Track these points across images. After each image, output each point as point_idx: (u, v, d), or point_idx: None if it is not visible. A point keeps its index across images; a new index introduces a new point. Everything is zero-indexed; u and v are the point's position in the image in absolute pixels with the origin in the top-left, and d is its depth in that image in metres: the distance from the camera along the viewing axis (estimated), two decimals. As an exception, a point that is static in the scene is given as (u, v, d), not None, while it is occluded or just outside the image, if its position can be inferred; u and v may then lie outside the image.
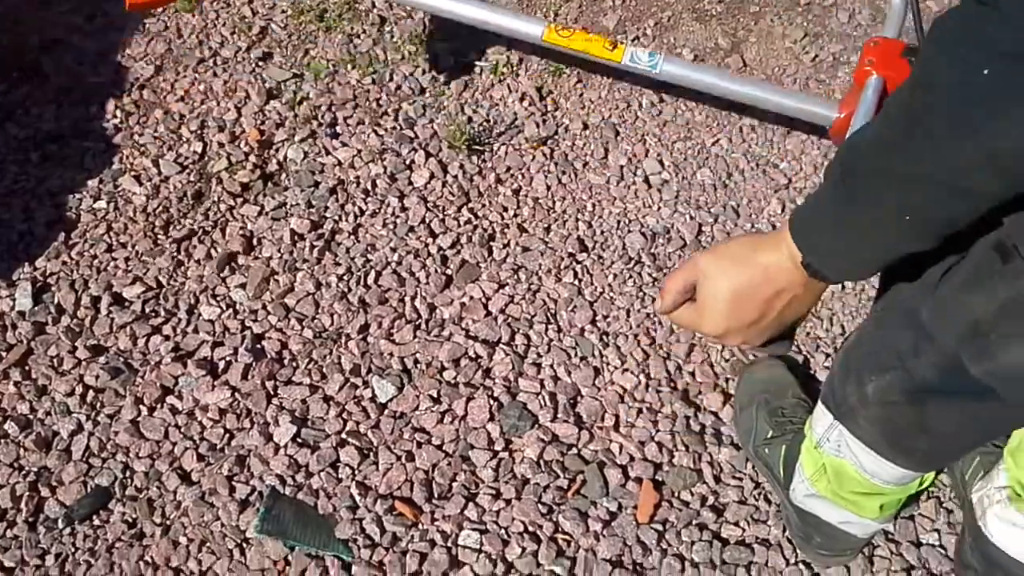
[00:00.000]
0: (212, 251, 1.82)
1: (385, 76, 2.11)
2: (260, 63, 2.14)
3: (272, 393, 1.62)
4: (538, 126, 2.02)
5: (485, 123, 2.02)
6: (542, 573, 1.43)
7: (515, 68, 2.12)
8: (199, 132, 2.01)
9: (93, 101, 2.09)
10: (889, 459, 1.06)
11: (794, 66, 2.14)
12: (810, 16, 2.23)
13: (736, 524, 1.49)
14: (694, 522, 1.49)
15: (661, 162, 1.96)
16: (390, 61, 2.13)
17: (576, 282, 1.77)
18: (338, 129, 2.02)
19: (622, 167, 1.96)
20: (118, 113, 2.06)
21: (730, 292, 0.82)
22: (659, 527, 1.48)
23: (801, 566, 1.44)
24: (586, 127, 2.02)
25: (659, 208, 1.89)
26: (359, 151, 1.97)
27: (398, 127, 2.01)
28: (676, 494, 1.52)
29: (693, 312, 0.88)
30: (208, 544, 1.45)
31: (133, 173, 1.94)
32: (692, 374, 1.66)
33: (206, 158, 1.97)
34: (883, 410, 0.98)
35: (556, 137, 2.01)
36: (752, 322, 0.84)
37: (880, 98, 1.53)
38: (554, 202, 1.90)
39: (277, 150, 1.98)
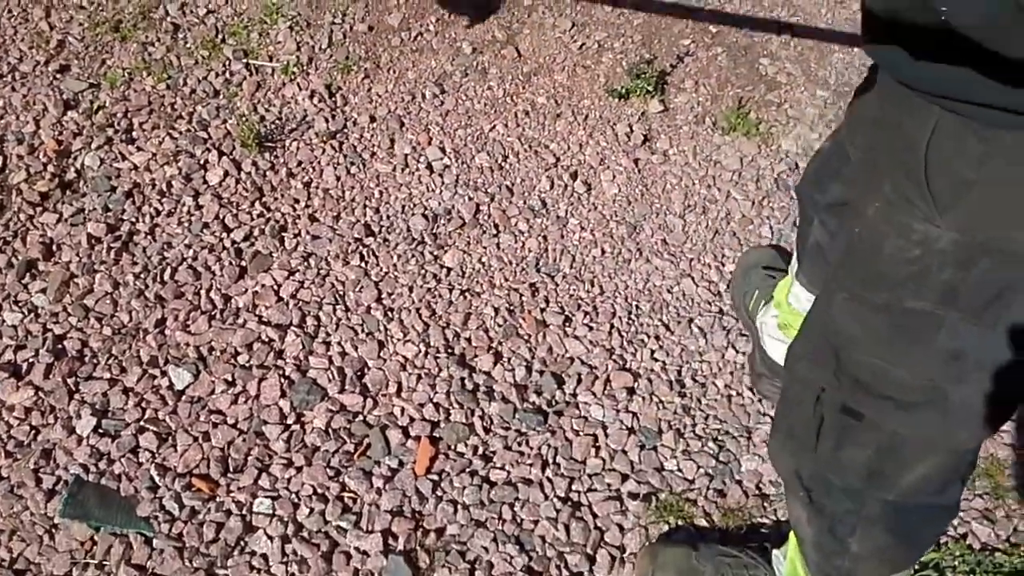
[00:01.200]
0: (13, 260, 1.89)
1: (179, 81, 2.20)
2: (58, 75, 2.20)
3: (74, 389, 1.72)
4: (327, 121, 2.15)
5: (277, 121, 2.15)
6: (330, 529, 1.59)
7: (305, 68, 2.24)
8: (-3, 146, 2.07)
9: None
10: None
11: (563, 54, 2.34)
12: (578, 8, 2.43)
13: (502, 468, 1.68)
14: (466, 470, 1.67)
15: (443, 149, 2.13)
16: (184, 66, 2.22)
17: (363, 264, 1.93)
18: (134, 135, 2.10)
19: (407, 155, 2.12)
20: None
21: None
22: (435, 477, 1.66)
23: (555, 500, 1.65)
24: (373, 120, 2.17)
25: (440, 191, 2.06)
26: (154, 155, 2.07)
27: (192, 129, 2.11)
28: (452, 447, 1.70)
29: None
30: (18, 532, 1.55)
31: (-70, 190, 1.98)
32: (468, 339, 1.84)
33: (6, 171, 2.03)
34: None
35: (345, 131, 2.15)
36: None
37: None
38: (343, 192, 2.05)
39: (75, 159, 2.06)
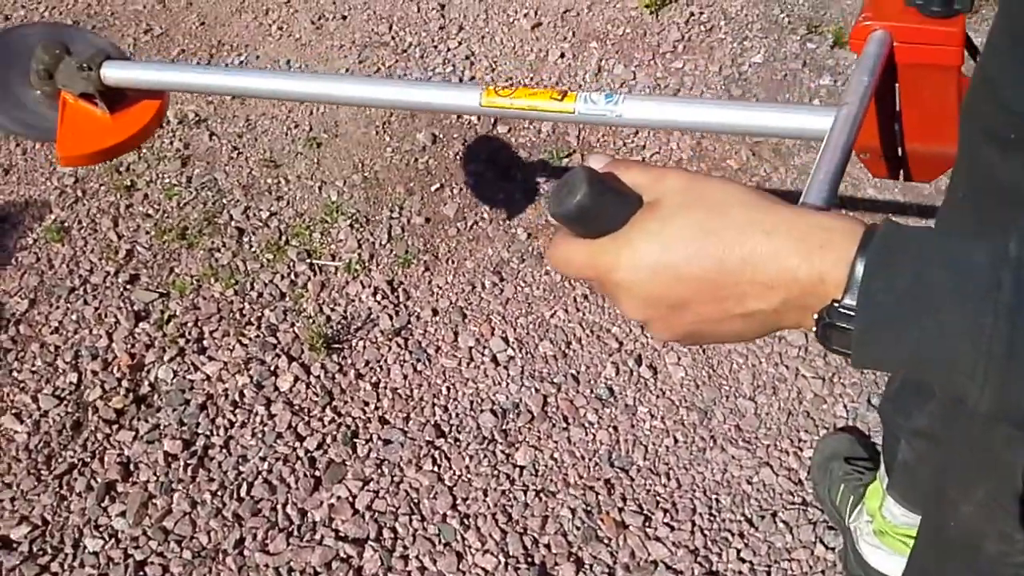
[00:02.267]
0: (92, 482, 1.91)
1: (246, 286, 2.26)
2: (128, 286, 2.28)
3: (156, 621, 1.71)
4: (391, 318, 2.19)
5: (343, 320, 2.19)
6: None
7: (366, 264, 2.30)
8: (73, 362, 2.13)
9: (-32, 341, 2.19)
10: None
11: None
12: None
13: None
14: None
15: (506, 339, 2.15)
16: (250, 271, 2.29)
17: (436, 468, 1.92)
18: (205, 343, 2.15)
19: (471, 348, 2.14)
20: (-5, 351, 2.16)
21: (684, 260, 0.49)
22: None
23: None
24: (436, 313, 2.21)
25: (507, 384, 2.07)
26: (225, 364, 2.11)
27: (261, 335, 2.16)
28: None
29: (607, 259, 0.52)
30: None
31: (14, 411, 2.04)
32: (547, 546, 1.81)
33: (82, 387, 2.08)
34: None
35: (409, 326, 2.18)
36: (685, 320, 0.52)
37: (888, 55, 1.15)
38: (411, 391, 2.07)
39: (148, 372, 2.10)
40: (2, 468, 1.95)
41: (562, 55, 2.78)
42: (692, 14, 2.86)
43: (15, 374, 2.12)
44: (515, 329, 2.19)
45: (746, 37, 2.84)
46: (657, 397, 2.05)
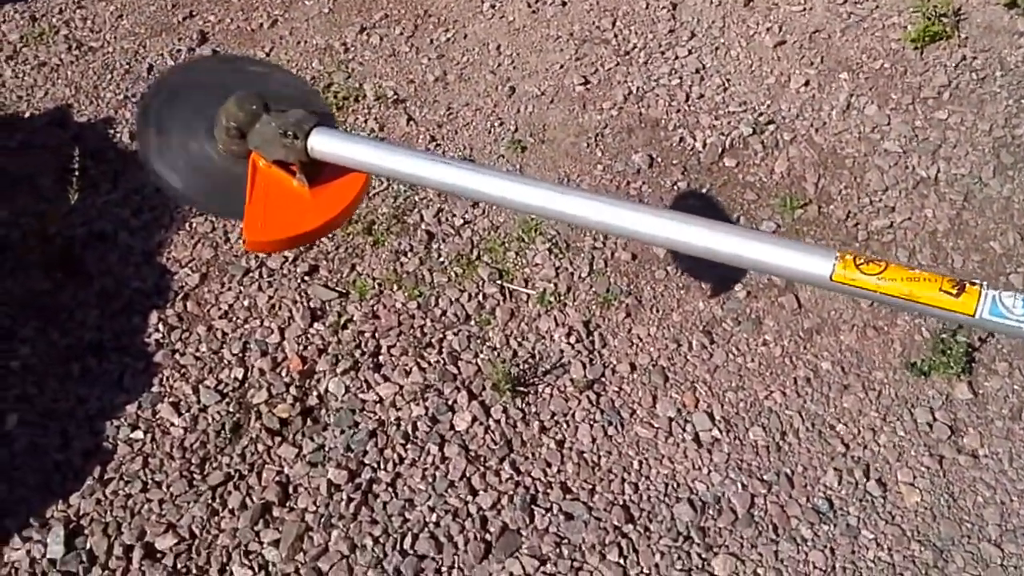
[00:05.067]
0: (247, 500, 1.78)
1: (431, 300, 2.08)
2: (306, 278, 2.12)
3: None
4: (584, 367, 1.97)
5: (531, 360, 1.98)
6: None
7: (562, 298, 2.08)
8: (241, 356, 1.99)
9: (136, 310, 2.09)
10: None
11: (851, 310, 2.09)
12: (868, 250, 2.18)
13: None
14: None
15: (711, 416, 1.91)
16: (436, 284, 2.10)
17: (621, 560, 1.71)
18: (381, 359, 1.98)
19: (671, 419, 1.90)
20: (160, 327, 2.05)
21: None
22: None
23: None
24: (634, 368, 1.98)
25: (709, 472, 1.83)
26: (401, 388, 1.93)
27: (442, 361, 1.98)
28: None
29: None
30: None
31: (172, 399, 1.92)
32: None
33: (247, 386, 1.95)
34: None
35: (603, 380, 1.96)
36: None
37: None
38: (599, 457, 1.85)
39: (318, 381, 1.95)
40: (154, 463, 1.84)
41: (806, 83, 2.46)
42: (963, 57, 2.49)
43: (178, 356, 2.00)
44: (723, 405, 1.93)
45: (1024, 93, 2.46)
46: (885, 522, 1.77)
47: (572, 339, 2.03)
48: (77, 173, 2.20)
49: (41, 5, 2.86)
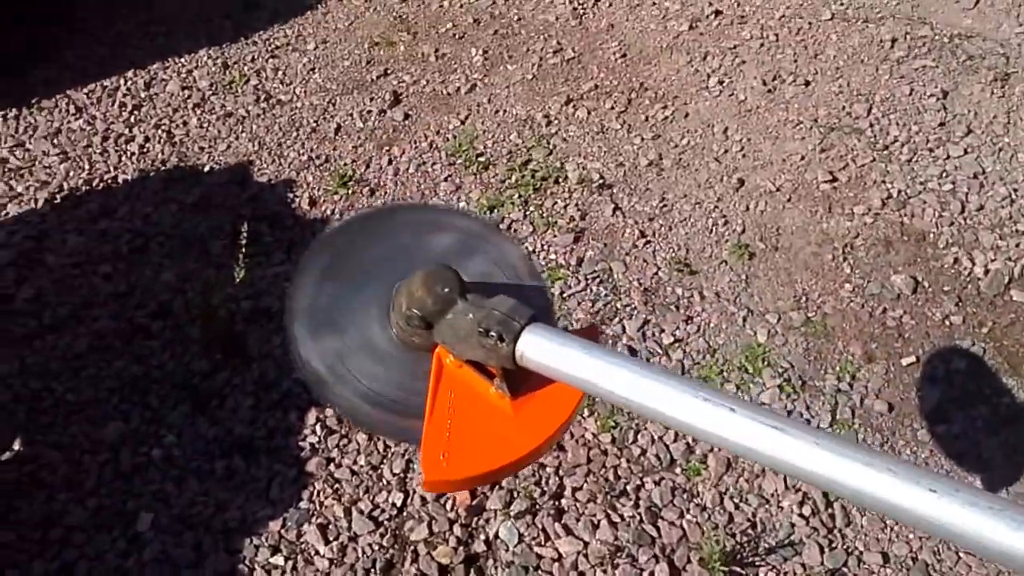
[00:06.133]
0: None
1: (628, 435, 1.73)
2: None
3: None
4: (822, 550, 1.56)
5: (750, 530, 1.59)
6: None
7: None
8: (403, 477, 1.71)
9: (294, 404, 1.85)
10: None
11: None
12: None
13: None
14: None
15: (993, 641, 1.45)
16: (636, 416, 1.75)
17: None
18: (563, 504, 1.64)
19: (936, 639, 1.45)
20: (318, 429, 1.80)
21: None
22: None
23: None
24: (886, 560, 1.55)
25: None
26: (586, 545, 1.59)
27: (638, 517, 1.62)
28: None
29: None
30: None
31: (321, 521, 1.65)
32: None
33: (405, 515, 1.66)
34: None
35: (845, 570, 1.54)
36: None
37: None
38: None
39: (488, 522, 1.64)
40: (293, 600, 1.56)
41: (1122, 202, 1.96)
42: None
43: (333, 468, 1.74)
44: (1009, 629, 1.47)
45: None
46: None
47: (806, 510, 1.62)
48: (246, 240, 2.01)
49: (235, 52, 2.75)
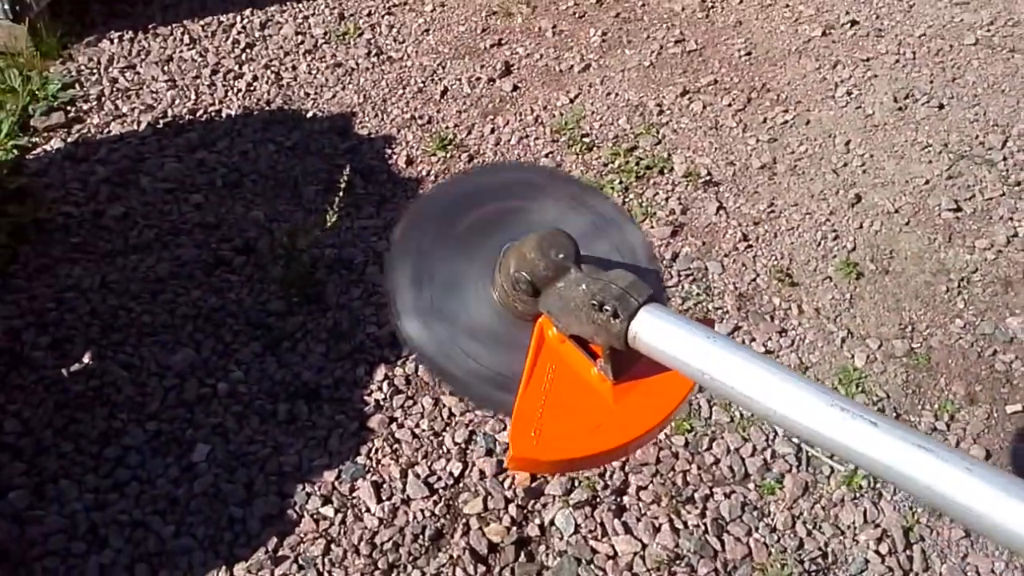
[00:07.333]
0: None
1: (703, 441, 1.66)
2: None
3: None
4: (895, 590, 1.47)
5: (821, 559, 1.51)
6: None
7: (878, 484, 1.59)
8: (464, 447, 1.67)
9: (364, 359, 1.83)
10: None
11: None
12: None
13: None
14: None
15: None
16: (714, 421, 1.69)
17: None
18: (626, 501, 1.59)
19: None
20: (385, 386, 1.78)
21: None
22: None
23: None
24: (966, 616, 1.45)
25: None
26: (644, 547, 1.53)
27: (702, 527, 1.55)
28: None
29: None
30: None
31: (375, 479, 1.63)
32: None
33: (461, 487, 1.62)
34: None
35: (917, 619, 1.45)
36: None
37: None
38: None
39: (545, 507, 1.59)
40: (336, 554, 1.54)
41: None
42: None
43: (395, 427, 1.72)
44: None
45: None
46: None
47: (883, 547, 1.53)
48: (343, 191, 1.99)
49: (352, 4, 2.76)
